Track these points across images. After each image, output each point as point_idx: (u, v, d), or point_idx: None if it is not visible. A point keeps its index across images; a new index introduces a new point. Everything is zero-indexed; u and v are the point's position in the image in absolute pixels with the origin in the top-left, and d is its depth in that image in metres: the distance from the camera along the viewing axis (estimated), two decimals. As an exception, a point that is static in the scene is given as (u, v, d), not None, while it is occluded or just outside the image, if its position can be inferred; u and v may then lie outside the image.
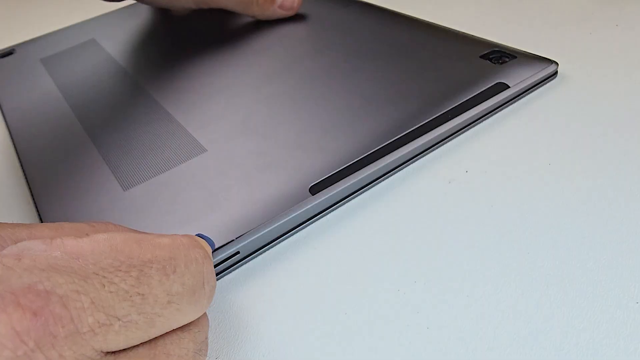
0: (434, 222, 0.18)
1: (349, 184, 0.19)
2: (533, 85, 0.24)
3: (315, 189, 0.19)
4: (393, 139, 0.21)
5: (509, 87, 0.23)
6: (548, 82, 0.25)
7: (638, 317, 0.14)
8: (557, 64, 0.25)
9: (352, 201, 0.20)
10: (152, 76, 0.30)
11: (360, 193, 0.20)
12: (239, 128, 0.23)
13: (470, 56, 0.26)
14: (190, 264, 0.12)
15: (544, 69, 0.24)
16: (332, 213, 0.20)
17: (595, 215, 0.18)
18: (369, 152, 0.20)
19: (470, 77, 0.24)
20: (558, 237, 0.17)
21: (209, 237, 0.16)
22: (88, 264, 0.11)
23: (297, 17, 0.34)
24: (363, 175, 0.20)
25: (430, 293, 0.16)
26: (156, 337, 0.12)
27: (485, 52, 0.26)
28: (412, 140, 0.21)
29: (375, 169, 0.20)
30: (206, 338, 0.13)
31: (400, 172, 0.21)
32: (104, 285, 0.11)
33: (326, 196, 0.19)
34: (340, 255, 0.18)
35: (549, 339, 0.14)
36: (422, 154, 0.22)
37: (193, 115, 0.25)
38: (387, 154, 0.20)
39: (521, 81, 0.24)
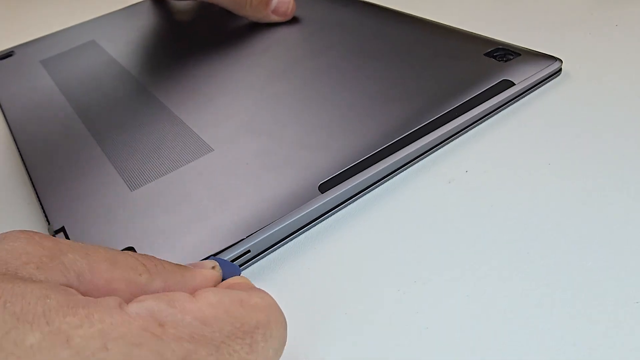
0: (434, 222, 0.19)
1: (358, 181, 0.19)
2: (538, 82, 0.24)
3: (324, 187, 0.19)
4: (401, 137, 0.21)
5: (514, 84, 0.23)
6: (552, 79, 0.25)
7: (637, 317, 0.14)
8: (560, 61, 0.25)
9: (352, 202, 0.20)
10: (155, 77, 0.30)
11: (366, 192, 0.20)
12: (245, 127, 0.23)
13: (475, 54, 0.26)
14: (278, 327, 0.13)
15: (549, 66, 0.24)
16: (332, 214, 0.20)
17: (595, 215, 0.18)
18: (377, 150, 0.20)
19: (475, 75, 0.24)
20: (558, 237, 0.17)
21: (237, 266, 0.16)
22: (215, 332, 0.11)
23: (299, 17, 0.34)
24: (372, 173, 0.20)
25: (430, 293, 0.16)
26: None
27: (489, 50, 0.26)
28: (421, 138, 0.21)
29: (385, 166, 0.20)
30: None
31: (401, 172, 0.21)
32: (230, 355, 0.11)
33: (336, 194, 0.19)
34: (340, 256, 0.18)
35: (549, 339, 0.14)
36: (429, 151, 0.22)
37: (198, 115, 0.25)
38: (396, 152, 0.20)
39: (526, 78, 0.24)
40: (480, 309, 0.15)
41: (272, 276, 0.18)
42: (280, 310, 0.13)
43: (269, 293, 0.14)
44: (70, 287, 0.11)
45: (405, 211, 0.19)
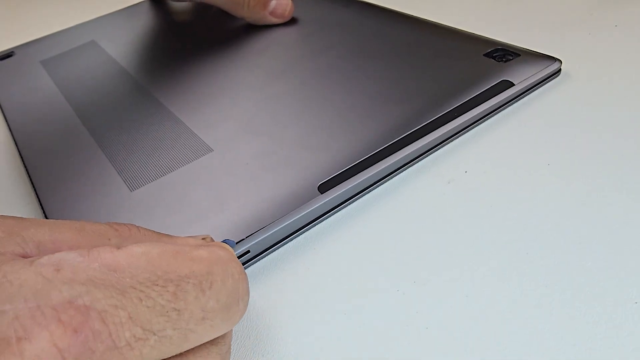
0: (433, 222, 0.19)
1: (357, 182, 0.19)
2: (538, 82, 0.24)
3: (324, 188, 0.19)
4: (400, 137, 0.21)
5: (513, 84, 0.23)
6: (551, 79, 0.25)
7: (637, 317, 0.14)
8: (560, 61, 0.25)
9: (352, 202, 0.20)
10: (154, 77, 0.30)
11: (366, 193, 0.20)
12: (244, 128, 0.23)
13: (474, 54, 0.26)
14: (226, 279, 0.12)
15: (548, 67, 0.24)
16: (331, 214, 0.20)
17: (594, 215, 0.18)
18: (376, 150, 0.20)
19: (475, 75, 0.24)
20: (557, 238, 0.17)
21: (231, 240, 0.16)
22: (125, 278, 0.11)
23: (298, 18, 0.34)
24: (372, 174, 0.20)
25: (429, 293, 0.16)
26: (187, 351, 0.12)
27: (489, 50, 0.26)
28: (420, 138, 0.21)
29: (384, 166, 0.20)
30: (229, 348, 0.13)
31: (400, 172, 0.21)
32: (141, 300, 0.11)
33: (335, 194, 0.19)
34: (339, 256, 0.18)
35: (548, 339, 0.14)
36: (429, 152, 0.22)
37: (197, 115, 0.25)
38: (395, 152, 0.20)
39: (526, 79, 0.24)
40: (480, 309, 0.15)
41: (271, 276, 0.18)
42: (236, 263, 0.12)
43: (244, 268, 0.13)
44: (27, 256, 0.11)
45: (405, 211, 0.19)
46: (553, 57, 0.25)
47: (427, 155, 0.22)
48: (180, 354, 0.12)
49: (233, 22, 0.35)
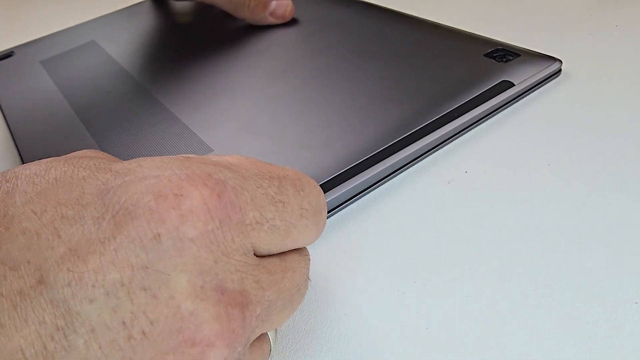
0: (434, 222, 0.18)
1: (356, 183, 0.19)
2: (538, 82, 0.24)
3: (323, 188, 0.19)
4: (400, 138, 0.21)
5: (514, 85, 0.23)
6: (552, 79, 0.25)
7: (637, 317, 0.14)
8: (560, 61, 0.25)
9: (352, 202, 0.20)
10: (155, 77, 0.30)
11: (366, 193, 0.20)
12: (244, 128, 0.23)
13: (474, 55, 0.26)
14: (313, 188, 0.13)
15: (548, 67, 0.24)
16: (331, 214, 0.20)
17: (594, 215, 0.18)
18: (376, 151, 0.20)
19: (475, 76, 0.24)
20: (557, 238, 0.17)
21: None
22: (241, 169, 0.12)
23: (299, 18, 0.34)
24: (371, 175, 0.20)
25: (429, 293, 0.16)
26: (285, 252, 0.13)
27: (489, 50, 0.26)
28: (421, 138, 0.21)
29: (384, 167, 0.20)
30: (308, 273, 0.14)
31: (401, 173, 0.21)
32: (257, 187, 0.12)
33: (334, 196, 0.19)
34: (339, 256, 0.18)
35: (548, 339, 0.14)
36: (429, 152, 0.22)
37: (198, 115, 0.25)
38: (395, 153, 0.20)
39: (526, 79, 0.24)
40: (480, 310, 0.15)
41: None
42: (317, 186, 0.14)
43: None
44: None
45: (405, 211, 0.19)
46: (553, 58, 0.25)
47: (428, 156, 0.22)
48: (281, 254, 0.12)
49: (233, 22, 0.35)
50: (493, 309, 0.15)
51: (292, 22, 0.33)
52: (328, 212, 0.19)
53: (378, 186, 0.21)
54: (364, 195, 0.20)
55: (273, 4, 0.33)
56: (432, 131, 0.21)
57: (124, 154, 0.23)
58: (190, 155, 0.12)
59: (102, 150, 0.24)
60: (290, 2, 0.33)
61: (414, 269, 0.17)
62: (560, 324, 0.14)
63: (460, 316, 0.15)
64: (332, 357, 0.15)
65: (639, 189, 0.18)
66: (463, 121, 0.22)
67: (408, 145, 0.21)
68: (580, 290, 0.15)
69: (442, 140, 0.22)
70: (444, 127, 0.21)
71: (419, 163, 0.22)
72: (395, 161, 0.20)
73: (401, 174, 0.21)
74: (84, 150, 0.14)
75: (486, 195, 0.19)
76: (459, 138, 0.23)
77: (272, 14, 0.33)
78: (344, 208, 0.20)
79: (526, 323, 0.15)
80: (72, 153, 0.13)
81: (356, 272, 0.17)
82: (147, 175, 0.11)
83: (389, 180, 0.21)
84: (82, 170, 0.11)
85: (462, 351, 0.14)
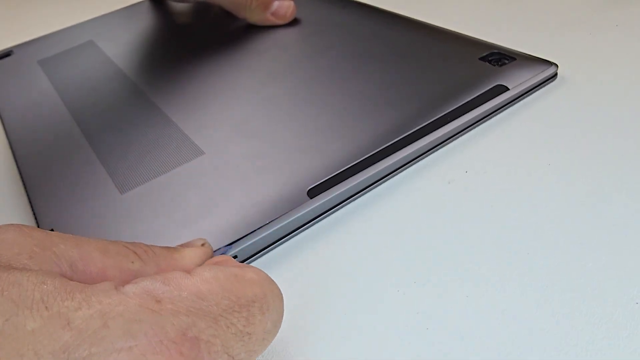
0: (434, 222, 0.18)
1: (347, 187, 0.19)
2: (532, 87, 0.24)
3: (313, 193, 0.19)
4: (392, 142, 0.21)
5: (508, 89, 0.24)
6: (548, 84, 0.25)
7: (637, 318, 0.14)
8: (556, 65, 0.25)
9: (352, 202, 0.20)
10: (150, 78, 0.30)
11: (360, 195, 0.20)
12: (236, 130, 0.23)
13: (470, 58, 0.26)
14: (276, 300, 0.13)
15: (544, 71, 0.24)
16: (331, 214, 0.20)
17: (594, 215, 0.18)
18: (367, 155, 0.20)
19: (470, 79, 0.24)
20: (557, 238, 0.17)
21: (229, 247, 0.16)
22: (212, 305, 0.11)
23: (294, 20, 0.34)
24: (362, 179, 0.20)
25: (429, 293, 0.16)
26: None
27: (485, 54, 0.26)
28: (411, 143, 0.21)
29: (374, 172, 0.20)
30: None
31: (398, 174, 0.21)
32: (228, 327, 0.11)
33: (324, 200, 0.19)
34: (340, 256, 0.18)
35: (549, 340, 0.14)
36: (420, 157, 0.22)
37: (191, 117, 0.25)
38: (386, 157, 0.20)
39: (520, 83, 0.24)
40: (480, 310, 0.15)
41: (272, 275, 0.18)
42: (275, 283, 0.13)
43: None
44: (64, 276, 0.11)
45: (405, 211, 0.19)
46: (549, 62, 0.25)
47: (424, 158, 0.22)
48: None
49: (232, 22, 0.35)
50: (493, 309, 0.15)
51: (292, 23, 0.33)
52: (324, 213, 0.19)
53: (376, 187, 0.21)
54: (362, 196, 0.20)
55: (275, 4, 0.33)
56: (425, 134, 0.21)
57: (116, 155, 0.23)
58: (161, 288, 0.11)
59: (93, 150, 0.24)
60: (291, 2, 0.33)
61: (414, 269, 0.17)
62: (560, 324, 0.14)
63: (460, 316, 0.15)
64: (332, 357, 0.15)
65: (639, 189, 0.18)
66: (455, 126, 0.22)
67: (400, 149, 0.21)
68: (580, 290, 0.15)
69: (436, 144, 0.22)
70: (435, 132, 0.21)
71: (419, 163, 0.22)
72: (388, 164, 0.20)
73: (401, 173, 0.21)
74: (7, 236, 0.12)
75: (486, 195, 0.19)
76: (459, 138, 0.23)
77: (273, 14, 0.33)
78: (342, 208, 0.20)
79: (526, 323, 0.15)
80: None
81: (356, 272, 0.17)
82: (118, 347, 0.10)
83: (387, 180, 0.21)
84: (29, 317, 0.09)
85: (462, 351, 0.14)
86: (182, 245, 0.15)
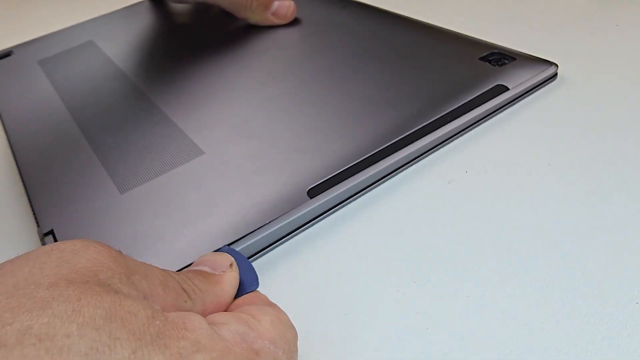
0: (434, 222, 0.18)
1: (347, 187, 0.19)
2: (533, 87, 0.24)
3: (313, 192, 0.19)
4: (392, 142, 0.21)
5: (508, 89, 0.24)
6: (548, 83, 0.25)
7: (638, 317, 0.14)
8: (556, 65, 0.25)
9: (351, 202, 0.20)
10: (150, 78, 0.30)
11: (360, 195, 0.20)
12: (236, 130, 0.23)
13: (470, 58, 0.26)
14: (288, 331, 0.14)
15: (544, 71, 0.24)
16: (331, 214, 0.20)
17: (594, 215, 0.18)
18: (367, 155, 0.20)
19: (470, 79, 0.24)
20: (557, 238, 0.17)
21: (256, 276, 0.16)
22: (280, 351, 0.13)
23: (294, 20, 0.34)
24: (362, 179, 0.20)
25: (429, 293, 0.16)
26: None
27: (485, 54, 0.26)
28: (411, 143, 0.21)
29: (374, 172, 0.20)
30: None
31: (398, 174, 0.21)
32: None
33: (324, 199, 0.19)
34: (340, 256, 0.18)
35: (549, 340, 0.14)
36: (420, 157, 0.22)
37: (191, 117, 0.25)
38: (386, 157, 0.20)
39: (520, 83, 0.24)
40: (480, 309, 0.15)
41: (270, 277, 0.18)
42: (292, 327, 0.14)
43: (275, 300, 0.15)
44: None
45: (405, 211, 0.19)
46: (549, 62, 0.25)
47: (423, 158, 0.22)
48: None
49: (232, 23, 0.35)
50: (493, 309, 0.15)
51: (292, 23, 0.33)
52: (324, 213, 0.19)
53: (376, 187, 0.21)
54: (362, 196, 0.20)
55: (275, 4, 0.33)
56: (425, 134, 0.21)
57: (116, 155, 0.23)
58: (249, 334, 0.12)
59: (93, 150, 0.24)
60: (292, 2, 0.33)
61: (414, 269, 0.17)
62: (560, 324, 0.14)
63: (460, 316, 0.15)
64: (332, 357, 0.15)
65: (639, 189, 0.18)
66: (455, 126, 0.22)
67: (400, 149, 0.21)
68: (581, 290, 0.15)
69: (436, 144, 0.22)
70: (435, 131, 0.21)
71: (419, 163, 0.22)
72: (388, 164, 0.20)
73: (401, 173, 0.21)
74: (93, 255, 0.12)
75: (486, 195, 0.19)
76: (460, 138, 0.23)
77: (274, 14, 0.33)
78: (342, 208, 0.20)
79: (526, 323, 0.15)
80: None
81: (356, 271, 0.17)
82: None
83: (387, 180, 0.21)
84: (153, 353, 0.10)
85: (462, 351, 0.14)
86: (209, 263, 0.15)
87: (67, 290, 0.10)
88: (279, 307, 0.14)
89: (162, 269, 0.14)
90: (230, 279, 0.15)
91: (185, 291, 0.13)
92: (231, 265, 0.15)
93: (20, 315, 0.09)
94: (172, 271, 0.14)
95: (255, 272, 0.16)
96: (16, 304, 0.10)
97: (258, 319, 0.13)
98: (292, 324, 0.14)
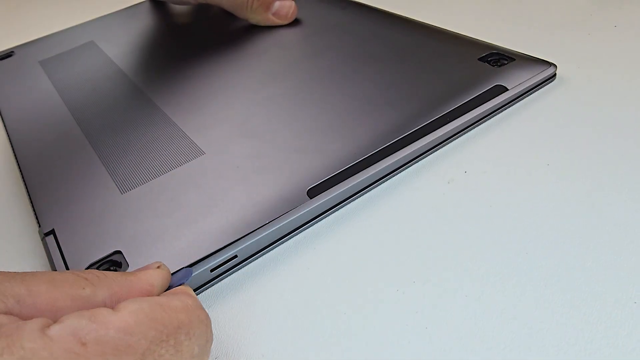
0: (433, 222, 0.18)
1: (347, 187, 0.19)
2: (531, 87, 0.24)
3: (313, 192, 0.19)
4: (391, 142, 0.21)
5: (507, 89, 0.24)
6: (547, 84, 0.25)
7: (636, 317, 0.14)
8: (555, 66, 0.25)
9: (351, 202, 0.20)
10: (151, 79, 0.30)
11: (359, 195, 0.20)
12: (237, 131, 0.23)
13: (469, 58, 0.26)
14: (201, 325, 0.13)
15: (543, 72, 0.25)
16: (331, 214, 0.20)
17: (593, 215, 0.18)
18: (367, 155, 0.20)
19: (469, 80, 0.24)
20: (556, 237, 0.17)
21: (188, 268, 0.16)
22: (140, 340, 0.12)
23: (295, 20, 0.34)
24: (361, 179, 0.20)
25: (429, 293, 0.16)
26: None
27: (484, 54, 0.26)
28: (411, 143, 0.21)
29: (374, 172, 0.20)
30: None
31: (397, 174, 0.21)
32: (156, 359, 0.12)
33: (324, 199, 0.19)
34: (339, 256, 0.18)
35: (548, 339, 0.14)
36: (420, 157, 0.22)
37: (191, 117, 0.25)
38: (386, 157, 0.20)
39: (519, 84, 0.24)
40: (480, 309, 0.15)
41: (270, 277, 0.18)
42: (202, 309, 0.14)
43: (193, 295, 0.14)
44: (11, 313, 0.12)
45: (405, 211, 0.19)
46: (548, 62, 0.25)
47: (423, 158, 0.22)
48: None
49: (232, 23, 0.35)
50: (493, 309, 0.15)
51: (292, 23, 0.34)
52: (324, 213, 0.19)
53: (377, 186, 0.21)
54: (362, 196, 0.20)
55: (276, 4, 0.33)
56: (425, 134, 0.21)
57: (116, 155, 0.23)
58: (88, 327, 0.11)
59: (94, 150, 0.24)
60: (293, 2, 0.33)
61: (414, 269, 0.17)
62: (559, 323, 0.14)
63: (460, 316, 0.15)
64: (332, 357, 0.15)
65: (638, 188, 0.18)
66: (454, 126, 0.22)
67: (400, 149, 0.21)
68: (580, 290, 0.15)
69: (435, 144, 0.22)
70: (434, 132, 0.21)
71: (419, 163, 0.22)
72: (387, 164, 0.20)
73: (400, 173, 0.21)
74: None
75: (486, 195, 0.19)
76: (460, 138, 0.23)
77: (275, 14, 0.33)
78: (341, 208, 0.20)
79: (526, 323, 0.15)
80: None
81: (356, 271, 0.17)
82: None
83: (387, 180, 0.21)
84: None
85: (462, 351, 0.14)
86: (137, 270, 0.15)
87: None
88: (179, 295, 0.14)
89: (59, 271, 0.13)
90: (149, 272, 0.15)
91: (85, 279, 0.13)
92: (159, 267, 0.15)
93: None
94: (77, 269, 0.14)
95: (185, 269, 0.16)
96: None
97: (118, 308, 0.12)
98: (188, 310, 0.13)
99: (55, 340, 0.11)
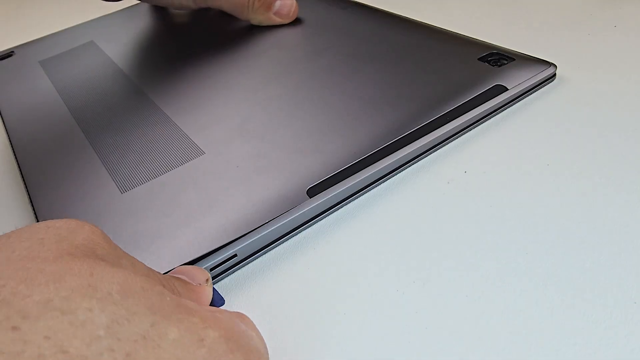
0: (433, 222, 0.18)
1: (346, 186, 0.19)
2: (531, 87, 0.24)
3: (313, 192, 0.19)
4: (391, 142, 0.21)
5: (507, 89, 0.24)
6: (546, 84, 0.25)
7: (637, 317, 0.14)
8: (555, 66, 0.25)
9: (351, 202, 0.20)
10: (151, 79, 0.30)
11: (359, 195, 0.20)
12: (236, 130, 0.23)
13: (469, 58, 0.26)
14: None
15: (542, 72, 0.25)
16: (331, 214, 0.20)
17: (593, 215, 0.18)
18: (367, 155, 0.20)
19: (469, 80, 0.24)
20: (556, 238, 0.17)
21: (221, 296, 0.17)
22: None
23: (295, 20, 0.34)
24: (361, 178, 0.20)
25: (428, 293, 0.16)
26: None
27: (484, 54, 0.26)
28: (411, 143, 0.21)
29: (373, 172, 0.20)
30: None
31: (397, 173, 0.21)
32: None
33: (324, 199, 0.19)
34: (339, 256, 0.18)
35: (548, 339, 0.14)
36: (420, 157, 0.22)
37: (191, 117, 0.25)
38: (385, 157, 0.20)
39: (519, 84, 0.24)
40: (480, 309, 0.15)
41: (270, 277, 0.18)
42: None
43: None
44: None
45: (405, 211, 0.19)
46: (548, 62, 0.25)
47: (423, 158, 0.22)
48: None
49: (232, 23, 0.35)
50: (493, 309, 0.15)
51: (291, 23, 0.34)
52: (323, 212, 0.19)
53: (376, 186, 0.21)
54: (361, 195, 0.20)
55: (277, 3, 0.32)
56: (425, 134, 0.21)
57: (116, 155, 0.23)
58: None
59: (94, 149, 0.24)
60: (294, 1, 0.33)
61: (414, 269, 0.17)
62: (559, 323, 0.14)
63: (460, 316, 0.15)
64: (331, 357, 0.15)
65: (638, 189, 0.18)
66: (454, 126, 0.22)
67: (400, 149, 0.21)
68: (580, 290, 0.15)
69: (435, 143, 0.22)
70: (434, 131, 0.21)
71: (418, 163, 0.22)
72: (387, 164, 0.20)
73: (400, 173, 0.21)
74: (88, 234, 0.12)
75: (486, 195, 0.19)
76: (460, 138, 0.23)
77: (276, 13, 0.33)
78: (341, 208, 0.20)
79: (526, 323, 0.15)
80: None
81: (356, 271, 0.17)
82: None
83: (387, 180, 0.21)
84: (169, 327, 0.10)
85: (462, 351, 0.14)
86: (188, 274, 0.16)
87: (74, 264, 0.11)
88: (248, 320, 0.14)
89: (146, 265, 0.14)
90: (206, 292, 0.15)
91: (165, 288, 0.13)
92: (207, 280, 0.15)
93: (35, 288, 0.10)
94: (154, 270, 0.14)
95: (219, 292, 0.17)
96: (27, 276, 0.10)
97: (240, 318, 0.13)
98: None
99: (230, 323, 0.12)
